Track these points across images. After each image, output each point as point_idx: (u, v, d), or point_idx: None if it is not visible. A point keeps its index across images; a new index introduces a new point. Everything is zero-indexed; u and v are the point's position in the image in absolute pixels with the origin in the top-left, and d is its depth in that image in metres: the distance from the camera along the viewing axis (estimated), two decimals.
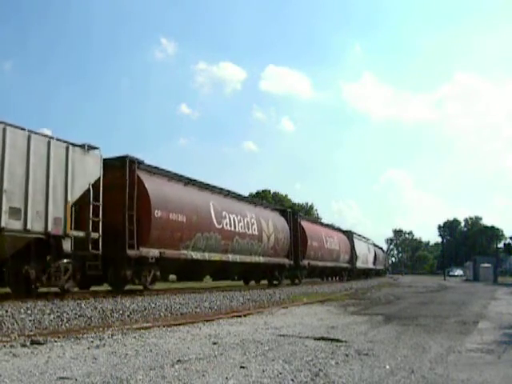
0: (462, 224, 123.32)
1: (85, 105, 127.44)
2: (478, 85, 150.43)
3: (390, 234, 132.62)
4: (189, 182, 15.01)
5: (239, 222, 16.82)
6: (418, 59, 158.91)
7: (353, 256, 33.79)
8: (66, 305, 8.80)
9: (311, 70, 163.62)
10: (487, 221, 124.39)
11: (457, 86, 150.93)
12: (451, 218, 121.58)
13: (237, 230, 16.55)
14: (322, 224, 31.55)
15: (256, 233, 18.01)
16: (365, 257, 39.26)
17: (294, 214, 23.87)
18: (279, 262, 20.48)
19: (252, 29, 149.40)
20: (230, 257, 16.07)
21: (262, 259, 18.56)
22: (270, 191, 73.95)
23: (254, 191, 71.10)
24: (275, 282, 20.93)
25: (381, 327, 8.09)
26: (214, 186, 16.65)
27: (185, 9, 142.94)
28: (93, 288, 12.92)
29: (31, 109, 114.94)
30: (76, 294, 11.06)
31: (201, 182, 15.75)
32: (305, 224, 24.47)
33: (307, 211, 74.38)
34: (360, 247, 37.18)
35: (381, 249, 58.60)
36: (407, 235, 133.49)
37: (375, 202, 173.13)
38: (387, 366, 4.75)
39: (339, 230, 34.15)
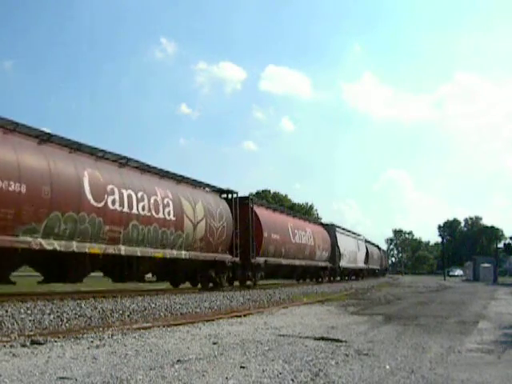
0: (462, 224, 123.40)
1: (84, 104, 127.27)
2: (478, 85, 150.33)
3: (390, 234, 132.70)
4: (47, 139, 10.44)
5: (140, 201, 12.09)
6: (418, 59, 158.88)
7: (335, 253, 29.23)
8: (65, 305, 8.80)
9: (311, 69, 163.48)
10: (487, 221, 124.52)
11: (457, 86, 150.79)
12: (451, 218, 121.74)
13: (134, 211, 11.88)
14: (289, 214, 25.45)
15: (171, 218, 13.28)
16: (353, 255, 34.68)
17: (245, 198, 18.55)
18: (215, 258, 15.54)
19: (252, 29, 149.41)
20: (124, 249, 11.58)
21: (184, 254, 13.90)
22: (269, 191, 74.01)
23: (254, 191, 71.25)
24: (216, 285, 16.19)
25: (381, 327, 8.10)
26: (98, 149, 11.67)
27: (185, 9, 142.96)
28: None
29: (31, 107, 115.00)
30: (76, 294, 11.05)
31: (73, 142, 11.09)
32: (260, 211, 19.35)
33: (307, 211, 74.36)
34: (346, 244, 32.39)
35: (377, 246, 53.24)
36: (407, 235, 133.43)
37: (375, 202, 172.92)
38: (387, 366, 4.75)
39: (315, 222, 29.86)
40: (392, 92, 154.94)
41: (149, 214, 12.42)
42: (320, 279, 27.75)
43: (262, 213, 19.68)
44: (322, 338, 6.56)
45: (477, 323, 8.90)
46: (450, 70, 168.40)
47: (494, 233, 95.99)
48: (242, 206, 17.73)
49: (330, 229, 30.00)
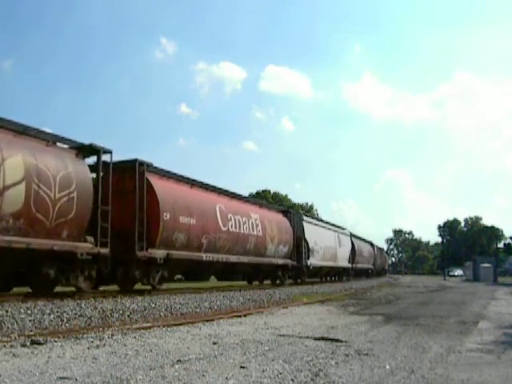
0: (462, 224, 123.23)
1: (85, 104, 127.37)
2: (478, 85, 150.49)
3: (390, 234, 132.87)
4: None
5: None
6: (417, 59, 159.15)
7: (301, 249, 22.98)
8: (65, 305, 8.79)
9: (311, 69, 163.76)
10: (487, 221, 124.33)
11: (456, 86, 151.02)
12: (451, 218, 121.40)
13: None
14: (221, 192, 17.16)
15: None
16: (330, 251, 27.86)
17: (130, 161, 12.57)
18: (52, 246, 9.88)
19: (252, 29, 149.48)
20: None
21: None
22: (269, 191, 74.02)
23: (254, 191, 71.24)
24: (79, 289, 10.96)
25: (381, 327, 8.10)
26: None
27: (185, 9, 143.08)
28: None
29: (32, 108, 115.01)
30: (76, 294, 11.03)
31: None
32: (158, 183, 13.22)
33: (307, 211, 74.35)
34: (319, 237, 25.79)
35: (369, 243, 46.05)
36: (407, 235, 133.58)
37: (375, 202, 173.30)
38: (387, 366, 4.75)
39: (270, 207, 23.03)
40: (392, 92, 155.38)
41: None
42: (277, 280, 21.45)
43: (163, 185, 13.43)
44: (322, 338, 6.57)
45: (477, 323, 8.90)
46: (450, 69, 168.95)
47: (494, 233, 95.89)
48: (125, 173, 12.36)
49: (294, 217, 23.12)
